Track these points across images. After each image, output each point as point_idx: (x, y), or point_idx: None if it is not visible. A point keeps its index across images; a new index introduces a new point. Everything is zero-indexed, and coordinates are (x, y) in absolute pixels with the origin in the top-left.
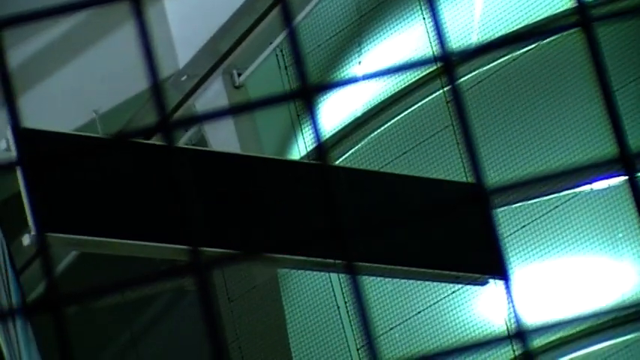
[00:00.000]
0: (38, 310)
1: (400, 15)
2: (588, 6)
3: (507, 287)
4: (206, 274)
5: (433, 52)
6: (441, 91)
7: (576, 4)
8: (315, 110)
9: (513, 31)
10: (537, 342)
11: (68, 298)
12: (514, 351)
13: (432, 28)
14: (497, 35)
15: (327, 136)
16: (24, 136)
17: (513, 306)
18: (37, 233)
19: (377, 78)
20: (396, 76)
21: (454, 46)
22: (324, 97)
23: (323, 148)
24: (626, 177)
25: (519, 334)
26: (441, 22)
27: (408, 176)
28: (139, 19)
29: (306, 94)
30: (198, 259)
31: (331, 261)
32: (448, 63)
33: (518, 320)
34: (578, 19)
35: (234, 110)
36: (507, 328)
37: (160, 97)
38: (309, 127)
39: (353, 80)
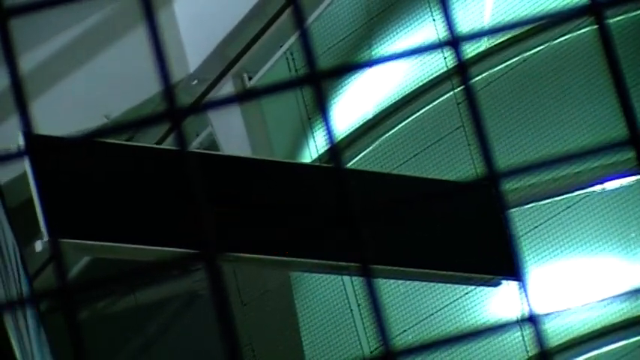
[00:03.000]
0: (50, 297)
1: (410, 17)
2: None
3: (520, 288)
4: (217, 264)
5: (439, 39)
6: (452, 92)
7: None
8: (325, 98)
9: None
10: (549, 343)
11: (80, 289)
12: (527, 352)
13: (443, 19)
14: (506, 36)
15: (339, 139)
16: (36, 143)
17: (528, 305)
18: (49, 239)
19: (389, 62)
20: (409, 59)
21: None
22: (336, 98)
23: (335, 144)
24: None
25: (531, 319)
26: (451, 11)
27: (419, 178)
28: (149, 15)
29: (314, 80)
30: (210, 248)
31: (344, 264)
32: (457, 44)
33: (530, 317)
34: (589, 3)
35: (243, 97)
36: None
37: (169, 88)
38: (321, 127)
39: (364, 65)
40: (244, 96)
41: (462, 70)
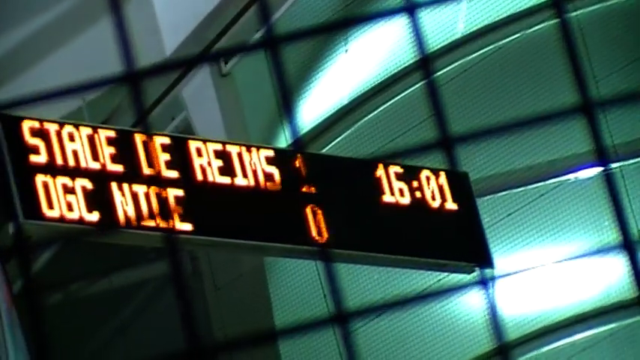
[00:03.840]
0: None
1: (386, 2)
2: None
3: (491, 275)
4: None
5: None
6: (426, 80)
7: None
8: (281, 64)
9: (498, 21)
10: (519, 333)
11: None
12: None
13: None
14: (483, 25)
15: (313, 125)
16: (7, 123)
17: (492, 294)
18: (19, 221)
19: (348, 27)
20: (372, 26)
21: (439, 37)
22: (311, 85)
23: (290, 97)
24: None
25: (483, 282)
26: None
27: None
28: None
29: (272, 44)
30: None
31: (315, 249)
32: (412, 10)
33: (495, 309)
34: None
35: (207, 59)
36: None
37: (127, 50)
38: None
39: (324, 29)
40: (207, 58)
41: (418, 39)
